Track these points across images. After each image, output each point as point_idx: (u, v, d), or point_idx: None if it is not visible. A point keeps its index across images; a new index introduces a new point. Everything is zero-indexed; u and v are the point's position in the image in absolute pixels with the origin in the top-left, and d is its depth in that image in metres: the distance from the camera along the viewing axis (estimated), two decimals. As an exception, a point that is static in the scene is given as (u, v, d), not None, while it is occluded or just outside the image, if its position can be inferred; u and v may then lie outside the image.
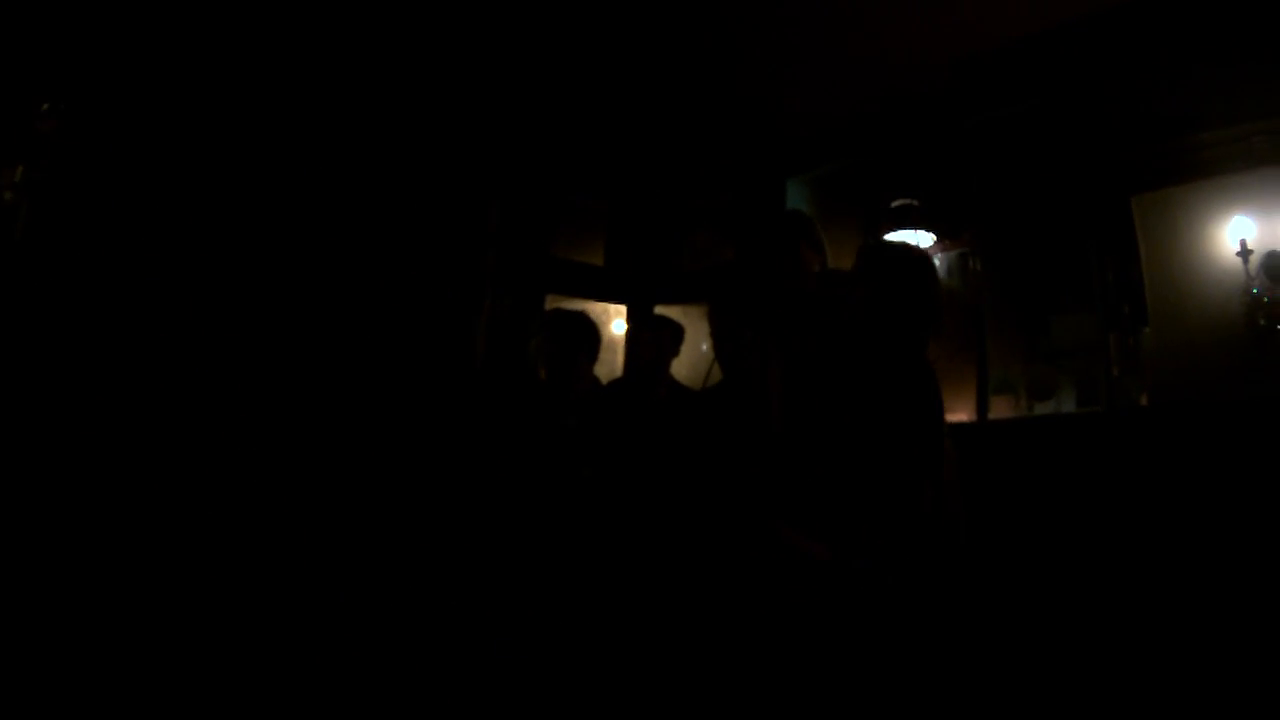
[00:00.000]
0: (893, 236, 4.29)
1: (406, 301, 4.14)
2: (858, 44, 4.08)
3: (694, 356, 4.69)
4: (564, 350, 3.02)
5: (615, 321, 5.31)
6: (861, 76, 4.32)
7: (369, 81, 4.18)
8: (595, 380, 3.19)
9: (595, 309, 5.38)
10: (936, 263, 4.29)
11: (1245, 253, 3.36)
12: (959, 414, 3.88)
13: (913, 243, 4.01)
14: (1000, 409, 3.77)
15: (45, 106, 3.09)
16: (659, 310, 4.56)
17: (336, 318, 3.80)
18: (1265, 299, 3.30)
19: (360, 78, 4.14)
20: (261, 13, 3.73)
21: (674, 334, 3.37)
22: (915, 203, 4.25)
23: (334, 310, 3.80)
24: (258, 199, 3.72)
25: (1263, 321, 3.27)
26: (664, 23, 3.99)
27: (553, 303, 5.06)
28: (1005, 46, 4.05)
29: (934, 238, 4.34)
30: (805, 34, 4.02)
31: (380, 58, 4.15)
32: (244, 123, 3.76)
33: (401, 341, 4.02)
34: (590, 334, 3.12)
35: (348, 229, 3.99)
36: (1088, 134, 3.94)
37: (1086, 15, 3.83)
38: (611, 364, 5.26)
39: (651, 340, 3.29)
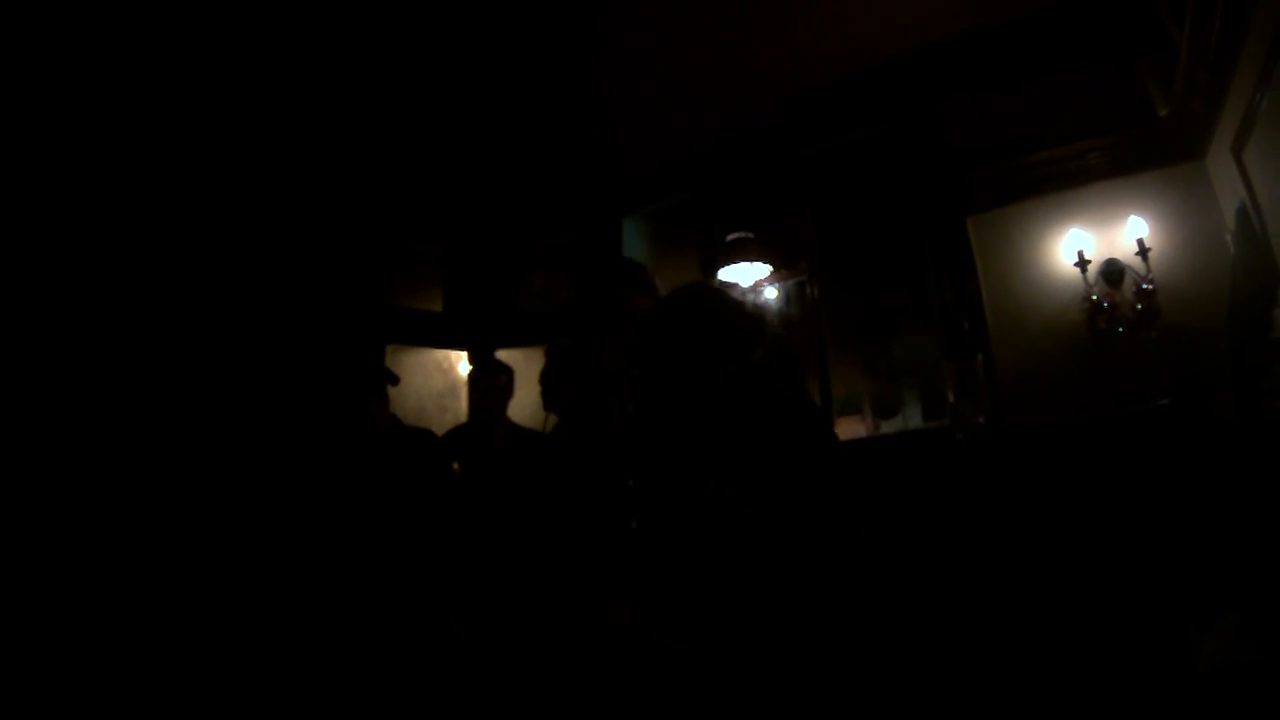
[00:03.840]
0: (729, 269, 4.19)
1: (244, 354, 3.97)
2: (690, 82, 3.91)
3: (536, 398, 4.34)
4: (352, 395, 3.09)
5: (461, 364, 4.94)
6: (695, 114, 4.16)
7: (200, 131, 3.89)
8: (393, 418, 3.18)
9: (439, 354, 5.05)
10: (771, 292, 4.29)
11: (1083, 263, 3.34)
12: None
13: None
14: (849, 429, 3.60)
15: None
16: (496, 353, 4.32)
17: (173, 370, 3.73)
18: (1105, 304, 3.27)
19: (191, 127, 3.86)
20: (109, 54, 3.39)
21: (510, 377, 3.37)
22: (750, 235, 4.16)
23: (170, 362, 3.74)
24: (103, 252, 3.65)
25: (1104, 325, 3.25)
26: (496, 67, 3.77)
27: (394, 352, 4.70)
28: (837, 79, 3.96)
29: (770, 268, 4.25)
30: (637, 75, 3.85)
31: (211, 108, 3.81)
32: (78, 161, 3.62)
33: (239, 391, 3.87)
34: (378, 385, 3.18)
35: (184, 278, 3.87)
36: (922, 159, 3.89)
37: (915, 47, 3.78)
38: (457, 410, 4.90)
39: (489, 385, 3.31)
